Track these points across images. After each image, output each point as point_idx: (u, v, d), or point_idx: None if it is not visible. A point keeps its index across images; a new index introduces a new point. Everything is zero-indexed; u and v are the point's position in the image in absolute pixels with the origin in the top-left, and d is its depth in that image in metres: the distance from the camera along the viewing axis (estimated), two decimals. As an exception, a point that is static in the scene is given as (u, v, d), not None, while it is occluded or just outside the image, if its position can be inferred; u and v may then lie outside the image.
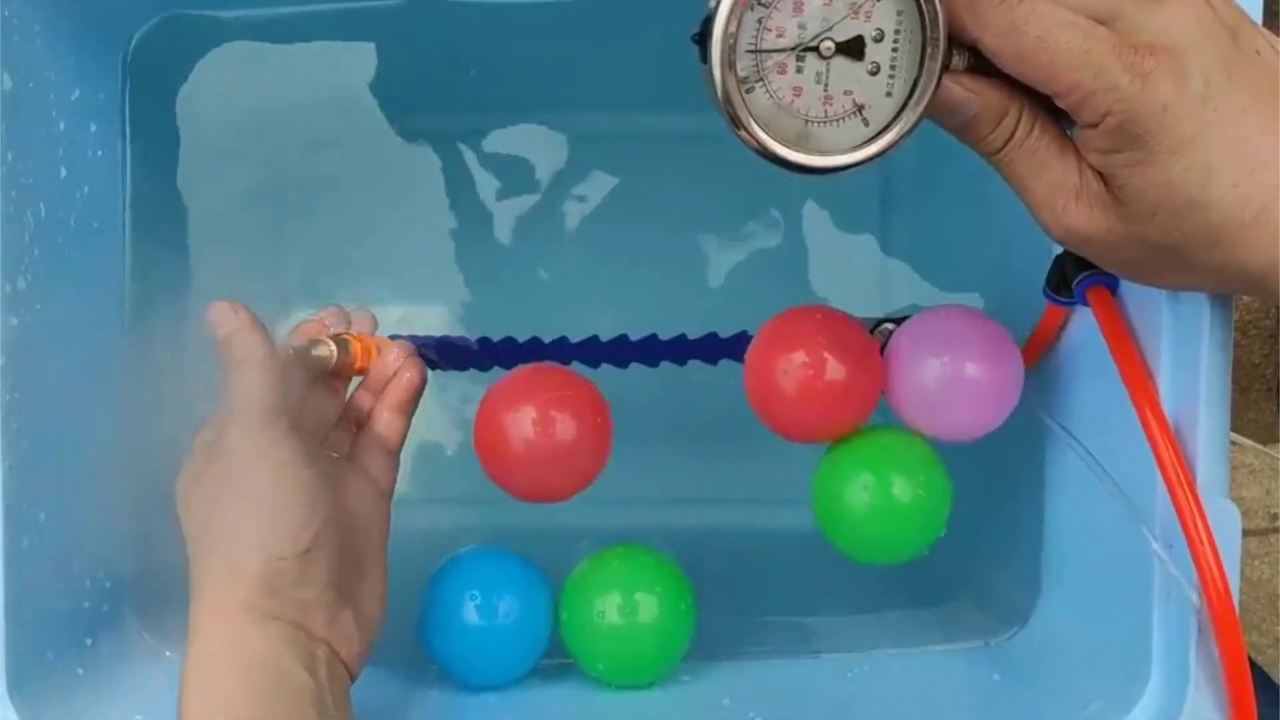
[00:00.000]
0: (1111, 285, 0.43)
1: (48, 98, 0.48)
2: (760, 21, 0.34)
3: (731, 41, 0.34)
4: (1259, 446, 0.86)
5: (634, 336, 0.53)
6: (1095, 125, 0.33)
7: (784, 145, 0.36)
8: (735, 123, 0.35)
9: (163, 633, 0.53)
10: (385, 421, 0.47)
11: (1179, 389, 0.41)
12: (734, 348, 0.54)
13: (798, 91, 0.35)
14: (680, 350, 0.54)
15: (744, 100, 0.35)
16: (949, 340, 0.46)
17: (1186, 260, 0.34)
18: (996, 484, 0.58)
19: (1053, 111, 0.35)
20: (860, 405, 0.47)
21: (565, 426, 0.46)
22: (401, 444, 0.47)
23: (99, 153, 0.52)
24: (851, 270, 0.62)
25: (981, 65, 0.35)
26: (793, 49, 0.35)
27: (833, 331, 0.47)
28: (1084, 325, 0.47)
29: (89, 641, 0.50)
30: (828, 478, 0.48)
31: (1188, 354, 0.41)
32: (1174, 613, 0.42)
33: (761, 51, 0.35)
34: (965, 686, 0.51)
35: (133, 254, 0.55)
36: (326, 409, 0.46)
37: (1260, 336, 0.89)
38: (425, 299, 0.61)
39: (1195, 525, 0.39)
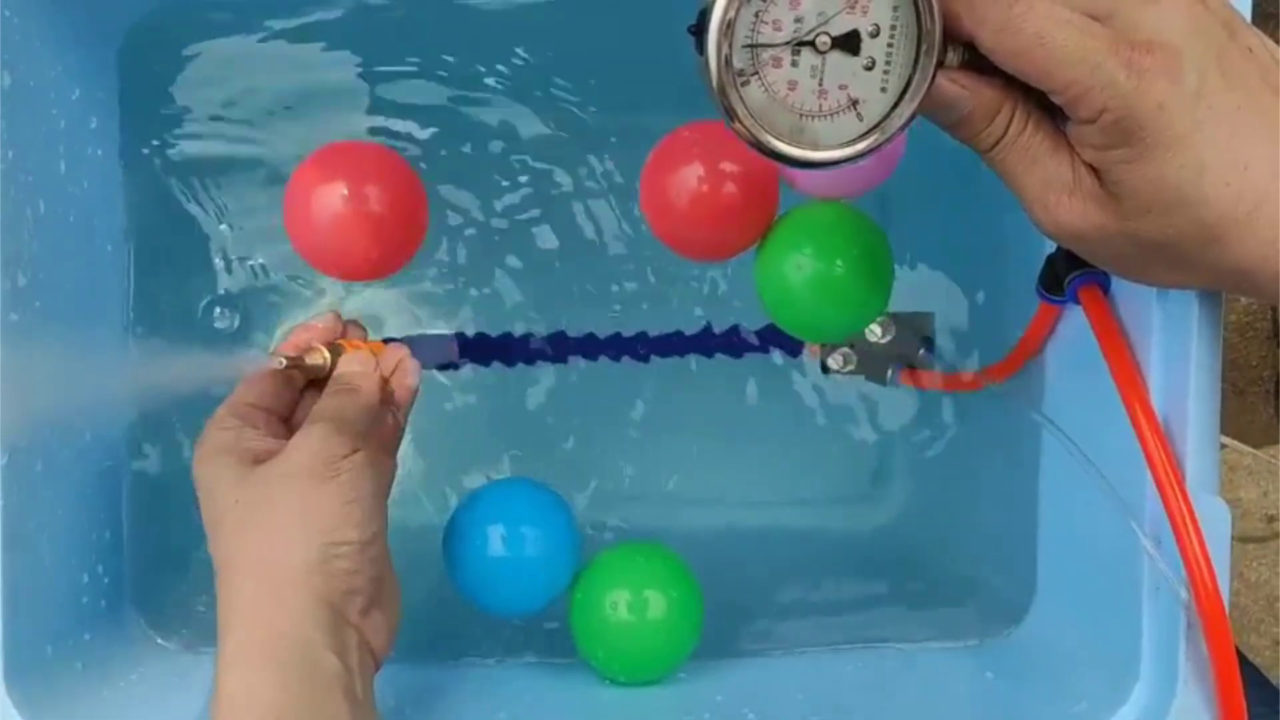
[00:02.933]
0: (1103, 283, 0.44)
1: (48, 95, 0.48)
2: (757, 15, 0.35)
3: (728, 34, 0.34)
4: (1254, 451, 0.86)
5: (627, 334, 0.54)
6: (1091, 122, 0.33)
7: (777, 139, 0.36)
8: (730, 115, 0.35)
9: (158, 629, 0.54)
10: (382, 424, 0.47)
11: (1168, 387, 0.42)
12: (729, 343, 0.55)
13: (793, 85, 0.35)
14: (674, 346, 0.54)
15: (739, 93, 0.35)
16: None
17: (1178, 257, 0.34)
18: (991, 485, 0.58)
19: (1046, 108, 0.35)
20: (762, 203, 0.47)
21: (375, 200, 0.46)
22: (399, 444, 0.48)
23: (98, 150, 0.53)
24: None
25: (976, 61, 0.35)
26: (788, 43, 0.35)
27: (711, 143, 0.47)
28: (1076, 324, 0.47)
29: (87, 637, 0.50)
30: (766, 271, 0.48)
31: (1177, 352, 0.41)
32: (1163, 609, 0.42)
33: (758, 46, 0.35)
34: (959, 684, 0.51)
35: (131, 250, 0.55)
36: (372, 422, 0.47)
37: (1258, 339, 0.89)
38: (422, 296, 0.61)
39: (1184, 522, 0.39)
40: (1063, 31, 0.33)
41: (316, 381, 0.46)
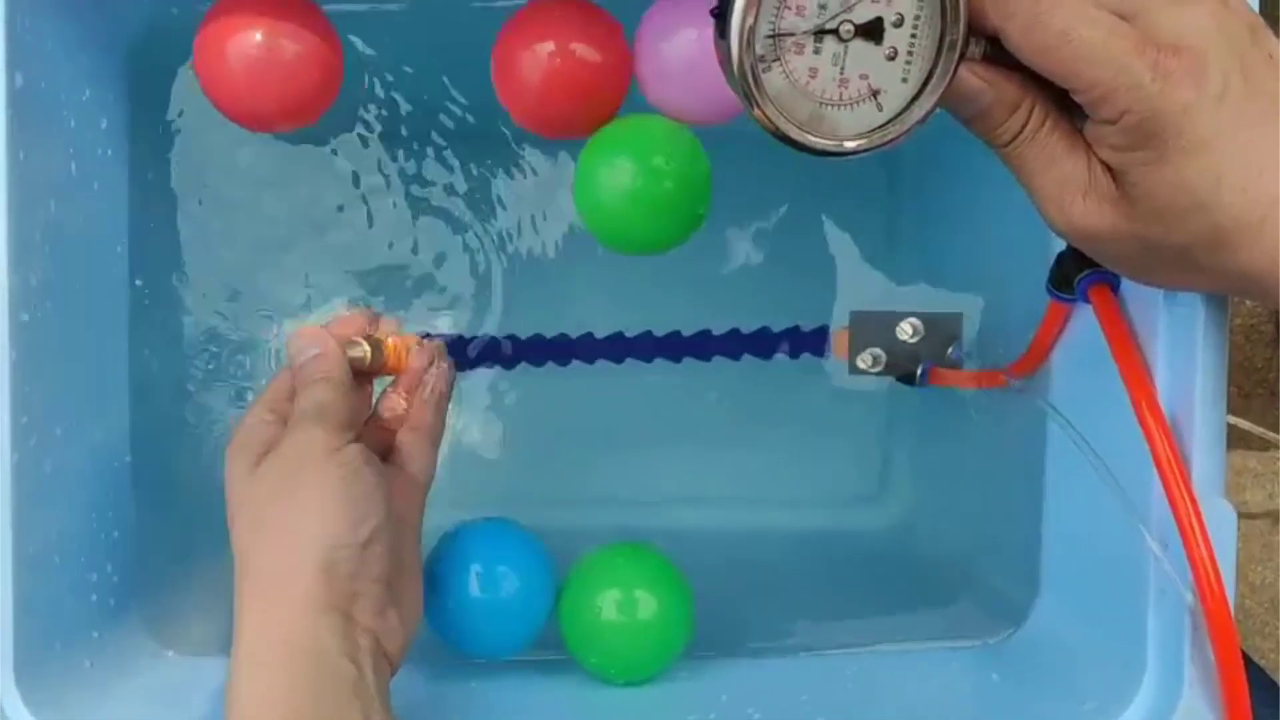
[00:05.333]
0: (1113, 283, 0.43)
1: (58, 97, 0.48)
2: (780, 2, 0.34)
3: (752, 18, 0.34)
4: (1268, 433, 0.86)
5: (630, 334, 0.54)
6: (1113, 122, 0.33)
7: (796, 127, 0.35)
8: (749, 101, 0.35)
9: (166, 627, 0.54)
10: (424, 418, 0.47)
11: (1174, 390, 0.42)
12: (758, 345, 0.55)
13: (813, 73, 0.35)
14: (702, 347, 0.54)
15: (759, 78, 0.35)
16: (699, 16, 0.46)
17: (1189, 260, 0.34)
18: (995, 484, 0.58)
19: (1064, 106, 0.35)
20: (611, 89, 0.47)
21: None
22: (440, 438, 0.48)
23: (108, 151, 0.53)
24: (858, 270, 0.62)
25: (997, 55, 0.35)
26: (811, 30, 0.34)
27: (573, 18, 0.47)
28: (1081, 323, 0.47)
29: (96, 635, 0.50)
30: (585, 169, 0.48)
31: (1183, 355, 0.41)
32: (1169, 611, 0.42)
33: (780, 34, 0.34)
34: (963, 685, 0.51)
35: (140, 250, 0.55)
36: (359, 408, 0.47)
37: (1262, 341, 0.89)
38: (432, 297, 0.61)
39: (1190, 524, 0.39)
40: (1090, 29, 0.32)
41: (358, 375, 0.46)
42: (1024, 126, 0.35)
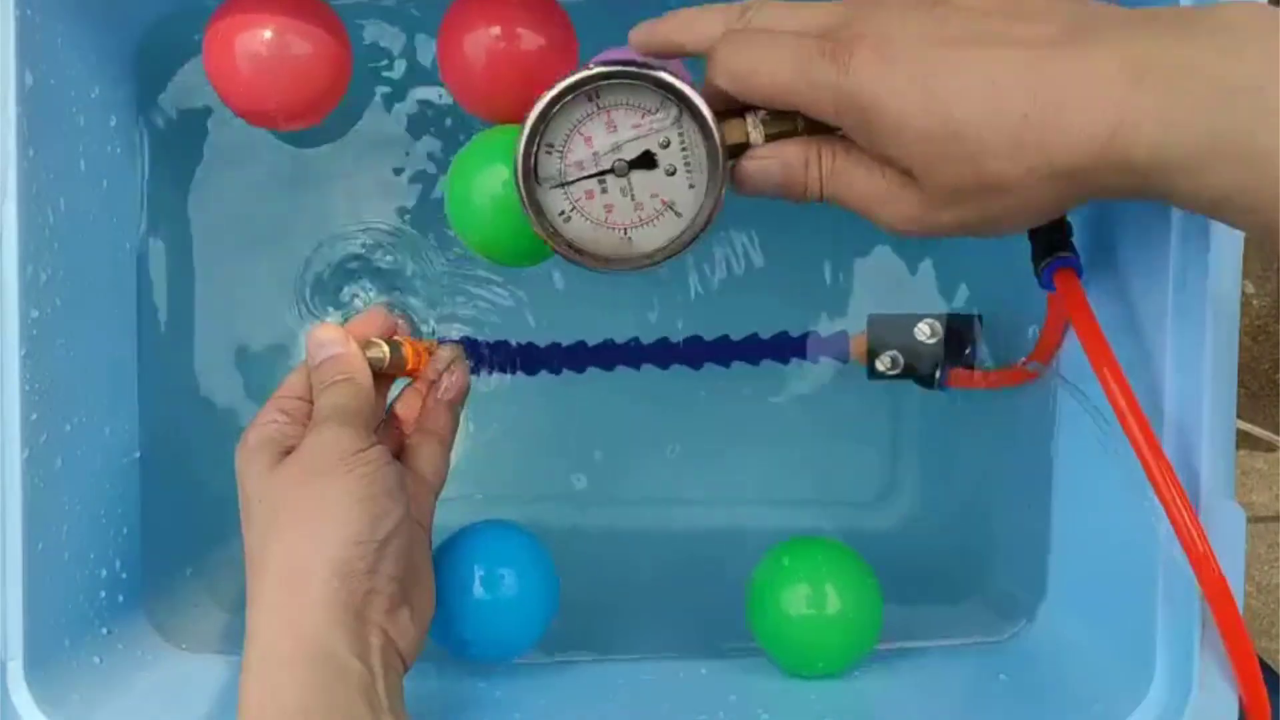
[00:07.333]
0: (1076, 267, 0.43)
1: (68, 94, 0.48)
2: (561, 158, 0.40)
3: (534, 186, 0.40)
4: (1275, 437, 0.86)
5: (648, 341, 0.54)
6: (839, 125, 0.36)
7: (608, 256, 0.41)
8: (564, 253, 0.41)
9: (175, 623, 0.54)
10: (438, 419, 0.48)
11: (1184, 392, 0.42)
12: (748, 351, 0.55)
13: (609, 208, 0.40)
14: (720, 352, 0.55)
15: (565, 231, 0.40)
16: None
17: (1001, 195, 0.35)
18: (1003, 484, 0.58)
19: (844, 137, 0.37)
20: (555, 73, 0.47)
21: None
22: (453, 441, 0.48)
23: (118, 148, 0.53)
24: (861, 273, 0.62)
25: (775, 124, 0.38)
26: (591, 175, 0.40)
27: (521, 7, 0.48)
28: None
29: (105, 631, 0.50)
30: (460, 170, 0.49)
31: (1191, 356, 0.41)
32: (1178, 611, 0.42)
33: (567, 184, 0.40)
34: (971, 684, 0.51)
35: (149, 247, 0.55)
36: (375, 408, 0.47)
37: (1270, 342, 0.89)
38: (446, 299, 0.61)
39: (1184, 521, 0.38)
40: (773, 53, 0.36)
41: (375, 376, 0.46)
42: (820, 170, 0.38)
